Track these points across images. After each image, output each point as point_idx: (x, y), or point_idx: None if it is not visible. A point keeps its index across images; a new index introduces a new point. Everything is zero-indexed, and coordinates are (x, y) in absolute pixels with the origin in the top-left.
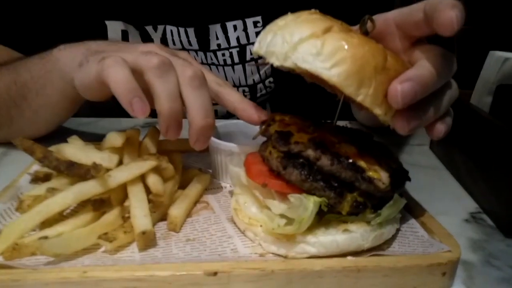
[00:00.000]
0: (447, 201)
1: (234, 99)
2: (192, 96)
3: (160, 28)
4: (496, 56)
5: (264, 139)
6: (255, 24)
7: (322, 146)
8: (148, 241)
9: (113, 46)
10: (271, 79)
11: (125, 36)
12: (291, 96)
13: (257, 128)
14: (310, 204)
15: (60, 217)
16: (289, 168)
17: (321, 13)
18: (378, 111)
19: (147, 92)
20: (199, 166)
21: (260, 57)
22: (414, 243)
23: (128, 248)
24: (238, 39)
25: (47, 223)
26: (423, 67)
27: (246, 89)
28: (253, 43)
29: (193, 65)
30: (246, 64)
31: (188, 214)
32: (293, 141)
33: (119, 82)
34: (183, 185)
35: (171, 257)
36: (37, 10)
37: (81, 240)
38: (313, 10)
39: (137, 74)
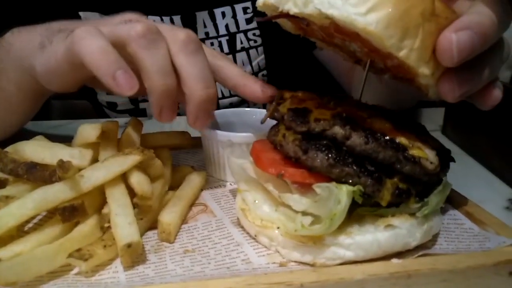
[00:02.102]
0: (480, 189)
1: (233, 73)
2: (188, 63)
3: None
4: None
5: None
6: (244, 10)
7: (350, 122)
8: (135, 256)
9: (79, 22)
10: (264, 71)
11: None
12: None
13: (261, 116)
14: (342, 194)
15: (18, 233)
16: (312, 151)
17: None
18: (425, 70)
19: (131, 66)
20: (191, 164)
21: (259, 14)
22: (464, 238)
23: (109, 267)
24: (227, 27)
25: (1, 242)
26: (480, 14)
27: None
28: (243, 31)
29: (182, 28)
30: (237, 54)
31: (184, 220)
32: (313, 119)
33: (97, 53)
34: (174, 186)
35: (166, 275)
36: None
37: (46, 261)
38: None
39: (118, 47)
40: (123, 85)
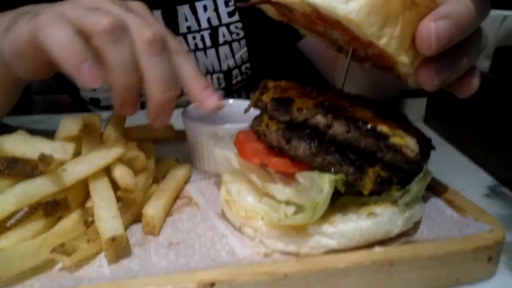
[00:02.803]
0: (460, 177)
1: (187, 72)
2: (151, 64)
3: None
4: (493, 15)
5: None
6: (226, 3)
7: (332, 111)
8: (119, 249)
9: (49, 6)
10: (247, 64)
11: None
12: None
13: (245, 107)
14: (325, 183)
15: (0, 229)
16: (294, 140)
17: None
18: (404, 58)
19: (95, 58)
20: (175, 156)
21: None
22: (445, 225)
23: (94, 262)
24: (209, 20)
25: None
26: (459, 3)
27: (221, 75)
28: (225, 25)
29: (151, 24)
30: (219, 48)
31: (168, 213)
32: (296, 108)
33: (61, 43)
34: (157, 179)
35: (151, 268)
36: None
37: (29, 256)
38: None
39: (83, 37)
40: (88, 77)
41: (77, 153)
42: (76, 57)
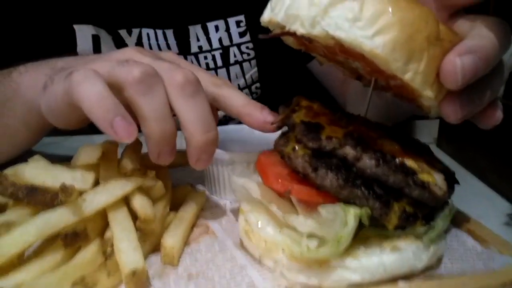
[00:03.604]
0: (478, 204)
1: (237, 101)
2: (186, 107)
3: (135, 31)
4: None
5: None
6: (238, 23)
7: (361, 143)
8: (140, 283)
9: (82, 59)
10: (258, 84)
11: (96, 42)
12: (279, 103)
13: (263, 136)
14: (350, 217)
15: (19, 261)
16: (321, 170)
17: None
18: (429, 93)
19: (129, 108)
20: (189, 181)
21: (265, 31)
22: (468, 257)
23: None
24: (220, 40)
25: (1, 271)
26: (482, 37)
27: None
28: (236, 45)
29: (182, 67)
30: (230, 68)
31: (186, 242)
32: (325, 136)
33: (94, 101)
34: (173, 206)
35: None
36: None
37: None
38: None
39: (115, 90)
40: (121, 133)
41: (95, 181)
42: (107, 113)
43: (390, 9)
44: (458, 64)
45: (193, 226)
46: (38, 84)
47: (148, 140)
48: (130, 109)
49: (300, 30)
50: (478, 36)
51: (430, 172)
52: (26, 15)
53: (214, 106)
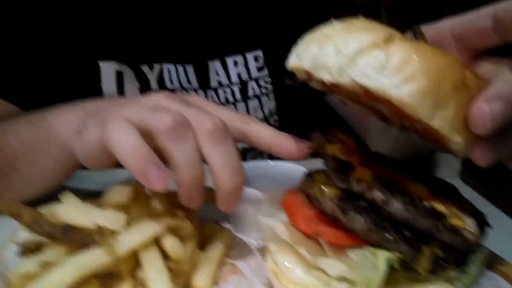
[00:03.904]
0: (507, 242)
1: (266, 135)
2: (216, 154)
3: (157, 66)
4: None
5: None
6: (256, 58)
7: (391, 187)
8: None
9: (113, 104)
10: (275, 117)
11: (119, 77)
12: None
13: (287, 173)
14: (380, 260)
15: None
16: (350, 213)
17: (369, 20)
18: (457, 138)
19: (160, 154)
20: (213, 218)
21: (289, 76)
22: None
23: None
24: (239, 75)
25: None
26: (509, 82)
27: None
28: (255, 79)
29: (210, 113)
30: (249, 101)
31: (215, 282)
32: (355, 178)
33: (128, 150)
34: (200, 244)
35: None
36: (25, 52)
37: None
38: (360, 17)
39: (147, 136)
40: (155, 181)
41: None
42: (141, 162)
43: (416, 58)
44: (487, 110)
45: (220, 265)
46: (72, 127)
47: (179, 185)
48: (161, 154)
49: (328, 78)
50: (506, 82)
51: (460, 216)
52: (54, 53)
53: (242, 141)
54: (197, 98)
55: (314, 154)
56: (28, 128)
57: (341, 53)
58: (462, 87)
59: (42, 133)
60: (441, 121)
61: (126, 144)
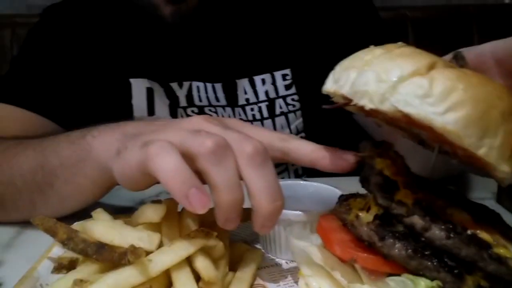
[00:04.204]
0: None
1: (308, 150)
2: (255, 177)
3: (186, 84)
4: None
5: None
6: (284, 77)
7: (430, 212)
8: None
9: (152, 126)
10: (303, 134)
11: (150, 94)
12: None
13: (319, 193)
14: None
15: None
16: (388, 239)
17: (408, 46)
18: (505, 168)
19: (200, 176)
20: (242, 236)
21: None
22: None
23: None
24: (267, 93)
25: None
26: None
27: None
28: (282, 97)
29: (250, 137)
30: (276, 119)
31: None
32: (397, 199)
33: (170, 173)
34: (230, 264)
35: None
36: (60, 69)
37: None
38: (400, 43)
39: (188, 159)
40: (196, 204)
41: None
42: (183, 185)
43: (461, 86)
44: None
45: (251, 286)
46: (111, 148)
47: (218, 208)
48: (201, 176)
49: (369, 105)
50: None
51: (505, 244)
52: (89, 71)
53: (283, 160)
54: (236, 121)
55: (355, 171)
56: (67, 146)
57: (383, 81)
58: (510, 115)
59: (81, 153)
60: (488, 150)
61: (169, 167)
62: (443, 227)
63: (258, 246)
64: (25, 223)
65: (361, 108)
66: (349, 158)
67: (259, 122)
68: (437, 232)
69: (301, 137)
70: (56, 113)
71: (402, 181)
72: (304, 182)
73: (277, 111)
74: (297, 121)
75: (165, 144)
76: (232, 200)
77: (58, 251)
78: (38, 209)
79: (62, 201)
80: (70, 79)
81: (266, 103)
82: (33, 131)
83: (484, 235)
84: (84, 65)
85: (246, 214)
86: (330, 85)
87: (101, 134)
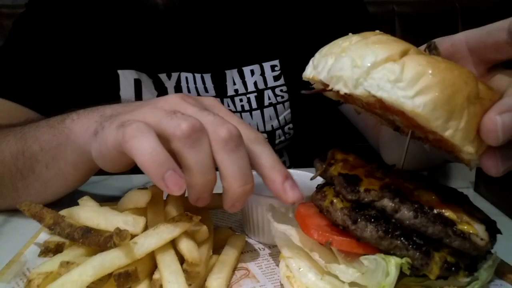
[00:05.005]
0: None
1: (265, 162)
2: (228, 161)
3: (175, 75)
4: None
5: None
6: (272, 68)
7: (399, 195)
8: None
9: (129, 107)
10: (290, 125)
11: (138, 85)
12: (311, 143)
13: (301, 181)
14: (391, 267)
15: None
16: (361, 222)
17: (385, 34)
18: (469, 149)
19: (174, 157)
20: (227, 224)
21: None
22: None
23: None
24: (255, 84)
25: None
26: None
27: (265, 135)
28: (271, 88)
29: (225, 121)
30: (264, 109)
31: (228, 285)
32: (363, 189)
33: (147, 155)
34: (215, 249)
35: None
36: (46, 60)
37: None
38: (377, 31)
39: (162, 139)
40: (172, 186)
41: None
42: (160, 167)
43: (430, 71)
44: (499, 122)
45: (234, 269)
46: (89, 130)
47: (190, 188)
48: (174, 157)
49: (343, 89)
50: None
51: (470, 222)
52: (75, 62)
53: None
54: (213, 101)
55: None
56: (47, 131)
57: (357, 66)
58: (475, 99)
59: (61, 136)
60: (453, 131)
61: (145, 149)
62: (411, 207)
63: (242, 231)
64: (11, 212)
65: (339, 94)
66: (292, 196)
67: (248, 113)
68: (405, 212)
69: (289, 128)
70: (42, 104)
71: (362, 172)
72: (293, 171)
73: (266, 102)
74: (285, 112)
75: (142, 126)
76: (205, 182)
77: (44, 236)
78: (21, 195)
79: (44, 186)
80: (56, 70)
81: (255, 94)
82: (18, 122)
83: (449, 213)
84: (71, 56)
85: (218, 200)
86: (310, 71)
87: (80, 117)
